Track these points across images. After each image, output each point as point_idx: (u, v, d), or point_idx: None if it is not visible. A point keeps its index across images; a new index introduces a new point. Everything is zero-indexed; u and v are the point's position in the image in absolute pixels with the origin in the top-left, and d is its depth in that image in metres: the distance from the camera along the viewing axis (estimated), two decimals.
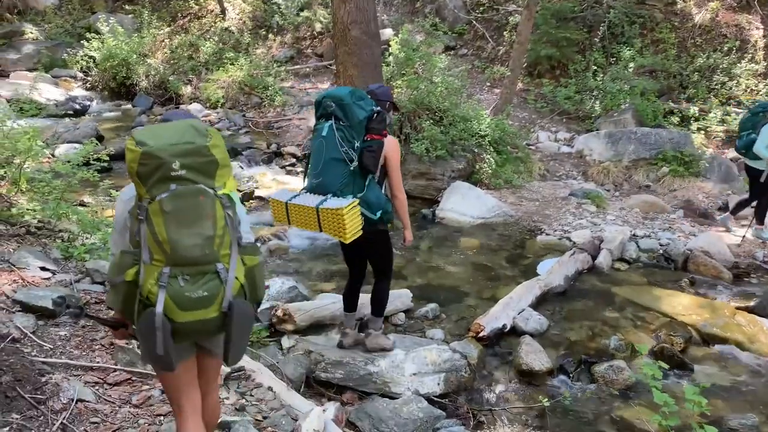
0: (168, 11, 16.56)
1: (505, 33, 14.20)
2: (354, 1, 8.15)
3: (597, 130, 10.99)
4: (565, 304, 5.51)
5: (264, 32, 15.24)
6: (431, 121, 8.52)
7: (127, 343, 3.61)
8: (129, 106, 13.14)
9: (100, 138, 9.53)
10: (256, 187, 8.31)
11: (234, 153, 9.95)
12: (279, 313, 4.24)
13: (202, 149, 1.98)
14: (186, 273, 1.97)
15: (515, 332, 4.86)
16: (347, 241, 3.30)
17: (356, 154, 3.35)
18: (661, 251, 6.66)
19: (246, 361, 3.77)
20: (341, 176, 3.36)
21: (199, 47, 14.63)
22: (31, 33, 15.44)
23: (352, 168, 3.35)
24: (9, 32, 15.42)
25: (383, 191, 3.60)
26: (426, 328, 4.94)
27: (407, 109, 8.67)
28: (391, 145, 3.52)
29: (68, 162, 5.38)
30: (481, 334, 4.69)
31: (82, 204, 6.35)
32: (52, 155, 7.65)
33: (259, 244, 6.35)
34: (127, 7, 15.79)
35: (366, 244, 3.51)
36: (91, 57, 13.94)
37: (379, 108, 3.44)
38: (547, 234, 7.12)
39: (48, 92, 12.18)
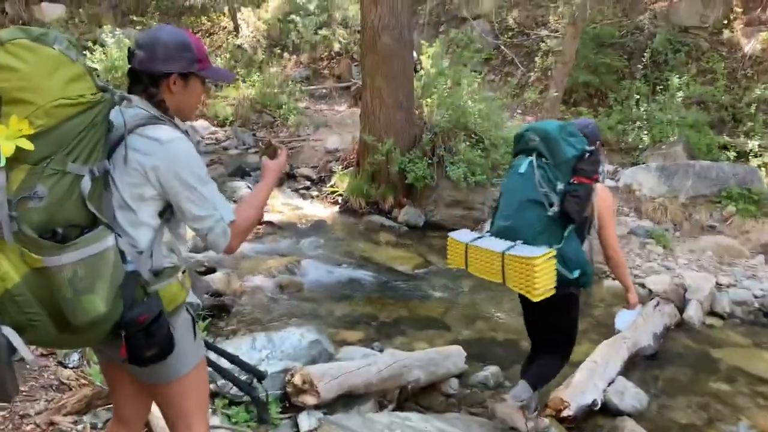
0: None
1: (536, 59, 13.27)
2: (387, 3, 7.16)
3: (643, 163, 9.94)
4: (658, 370, 4.30)
5: (279, 51, 14.35)
6: (468, 143, 7.44)
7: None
8: None
9: None
10: (266, 211, 7.18)
11: (242, 174, 8.93)
12: (296, 379, 3.04)
13: None
14: None
15: (607, 410, 3.65)
16: (536, 299, 2.69)
17: (558, 198, 2.76)
18: (756, 304, 5.46)
19: None
20: (537, 222, 2.78)
21: None
22: None
23: (550, 213, 2.76)
24: None
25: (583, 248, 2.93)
26: (488, 401, 3.72)
27: (440, 128, 7.61)
28: (604, 194, 2.94)
29: None
30: (564, 413, 3.48)
31: None
32: None
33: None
34: (135, 18, 14.92)
35: (548, 307, 2.82)
36: (93, 69, 13.02)
37: (593, 147, 2.86)
38: (614, 278, 5.92)
39: None
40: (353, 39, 14.14)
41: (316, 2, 14.65)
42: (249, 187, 7.95)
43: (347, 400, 3.29)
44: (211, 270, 5.29)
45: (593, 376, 3.77)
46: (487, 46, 13.97)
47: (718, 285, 5.80)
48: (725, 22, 12.46)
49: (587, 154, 2.79)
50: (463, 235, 3.00)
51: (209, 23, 15.61)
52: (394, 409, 3.44)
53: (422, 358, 3.65)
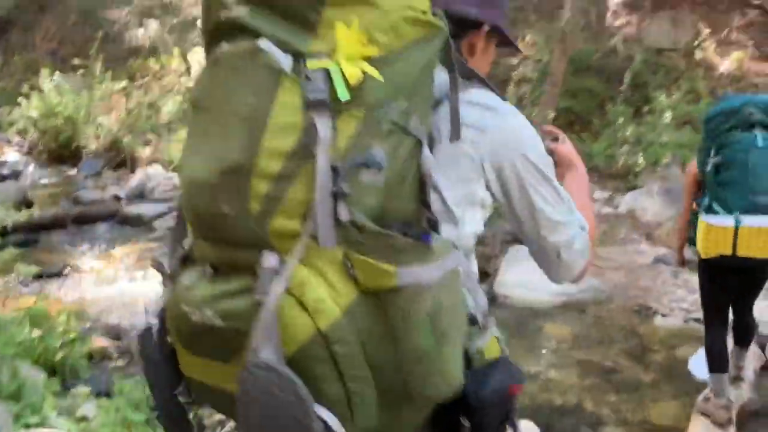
0: (126, 71, 14.64)
1: (508, 88, 12.79)
2: None
3: (641, 186, 9.37)
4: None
5: None
6: None
7: None
8: (73, 171, 10.97)
9: (29, 204, 7.83)
10: None
11: None
12: None
13: None
14: (211, 258, 0.85)
15: None
16: None
17: None
18: None
19: None
20: None
21: (160, 107, 12.74)
22: None
23: None
24: None
25: None
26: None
27: None
28: None
29: None
30: None
31: None
32: None
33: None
34: (76, 62, 13.64)
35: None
36: (30, 117, 11.85)
37: None
38: (663, 315, 5.05)
39: None
40: None
41: None
42: None
43: None
44: None
45: None
46: None
47: None
48: (695, 43, 12.33)
49: None
50: (721, 220, 2.87)
51: (158, 66, 14.59)
52: None
53: None
